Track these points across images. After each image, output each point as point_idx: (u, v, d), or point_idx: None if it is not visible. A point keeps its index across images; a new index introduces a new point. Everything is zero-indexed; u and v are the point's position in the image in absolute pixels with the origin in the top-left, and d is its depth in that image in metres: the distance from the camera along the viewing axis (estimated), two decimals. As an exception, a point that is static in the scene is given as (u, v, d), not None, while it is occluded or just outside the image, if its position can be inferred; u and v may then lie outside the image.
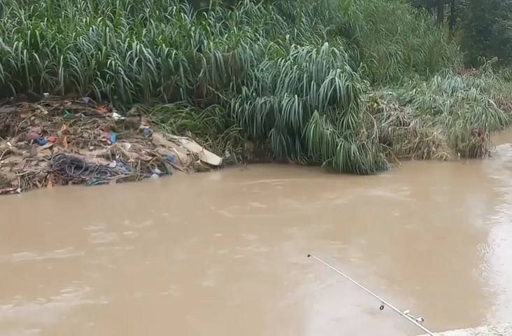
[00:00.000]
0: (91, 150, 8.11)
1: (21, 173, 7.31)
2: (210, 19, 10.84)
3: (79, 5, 10.38)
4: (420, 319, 2.37)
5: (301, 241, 5.45)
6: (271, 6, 12.33)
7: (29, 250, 5.00)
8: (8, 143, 7.96)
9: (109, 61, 8.90)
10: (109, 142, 8.32)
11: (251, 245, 5.31)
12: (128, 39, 9.45)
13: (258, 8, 12.06)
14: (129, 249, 5.16)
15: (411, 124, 10.14)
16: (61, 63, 8.56)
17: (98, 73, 8.86)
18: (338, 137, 8.43)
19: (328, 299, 4.13)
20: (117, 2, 10.55)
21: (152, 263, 4.79)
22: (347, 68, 9.43)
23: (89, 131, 8.38)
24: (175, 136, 8.88)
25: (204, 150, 8.79)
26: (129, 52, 9.16)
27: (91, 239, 5.44)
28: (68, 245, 5.17)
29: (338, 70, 8.91)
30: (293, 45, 10.04)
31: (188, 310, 3.96)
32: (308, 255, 3.72)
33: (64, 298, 4.06)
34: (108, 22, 9.65)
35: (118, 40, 9.39)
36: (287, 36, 10.93)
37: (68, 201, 7.22)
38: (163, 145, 8.61)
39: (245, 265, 4.83)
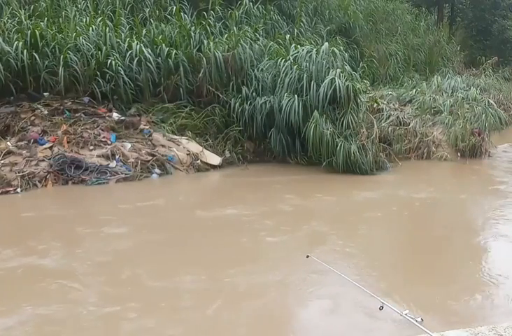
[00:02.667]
0: (91, 150, 8.11)
1: (21, 173, 7.31)
2: (210, 19, 10.84)
3: (79, 5, 10.38)
4: (419, 319, 2.37)
5: (300, 241, 5.46)
6: (270, 6, 12.33)
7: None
8: (8, 143, 7.96)
9: (109, 61, 8.90)
10: (109, 142, 8.32)
11: (248, 245, 5.31)
12: (128, 39, 9.46)
13: (258, 8, 12.06)
14: (111, 259, 4.93)
15: (411, 124, 10.14)
16: (61, 63, 8.56)
17: (98, 73, 8.86)
18: (338, 137, 8.43)
19: (327, 300, 4.12)
20: (117, 2, 10.56)
21: (133, 275, 4.52)
22: (347, 68, 9.44)
23: (89, 131, 8.39)
24: (175, 136, 8.88)
25: (204, 150, 8.79)
26: (129, 52, 9.16)
27: (79, 242, 5.35)
28: (54, 249, 5.08)
29: (338, 70, 8.91)
30: (293, 45, 10.04)
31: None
32: (307, 256, 3.72)
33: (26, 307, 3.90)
34: (108, 22, 9.66)
35: (118, 40, 9.40)
36: (287, 36, 10.93)
37: (67, 201, 7.21)
38: (163, 145, 8.61)
39: (241, 265, 4.83)
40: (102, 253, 5.04)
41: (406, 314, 2.47)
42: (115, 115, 8.86)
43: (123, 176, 7.80)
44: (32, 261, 4.81)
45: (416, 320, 2.38)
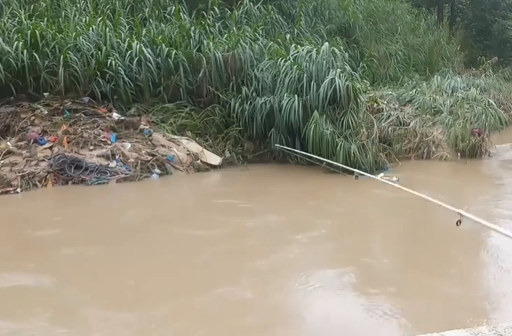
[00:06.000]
0: (91, 150, 8.10)
1: (21, 173, 7.30)
2: (209, 19, 10.84)
3: (78, 5, 10.38)
4: (394, 178, 2.38)
5: (301, 243, 5.45)
6: (270, 6, 12.34)
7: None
8: (8, 143, 7.96)
9: (109, 61, 8.89)
10: (109, 142, 8.32)
11: (245, 253, 5.24)
12: (128, 39, 9.45)
13: (258, 8, 12.06)
14: (92, 267, 4.67)
15: (411, 124, 10.14)
16: (61, 63, 8.55)
17: (98, 73, 8.85)
18: (338, 137, 8.43)
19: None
20: (117, 2, 10.55)
21: (107, 288, 4.24)
22: (347, 68, 9.43)
23: (89, 131, 8.38)
24: (175, 136, 8.88)
25: (204, 150, 8.79)
26: (129, 52, 9.15)
27: (67, 248, 5.13)
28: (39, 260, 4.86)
29: (338, 70, 8.91)
30: (293, 45, 10.04)
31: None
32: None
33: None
34: (108, 22, 9.65)
35: (118, 40, 9.39)
36: (287, 36, 10.93)
37: (67, 201, 7.21)
38: (163, 145, 8.61)
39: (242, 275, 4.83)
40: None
41: (381, 177, 2.47)
42: (115, 115, 8.85)
43: (123, 176, 7.79)
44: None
45: (391, 180, 2.38)
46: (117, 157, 8.04)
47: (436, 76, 13.32)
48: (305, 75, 9.00)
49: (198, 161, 8.59)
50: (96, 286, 4.26)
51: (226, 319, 3.74)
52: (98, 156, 8.01)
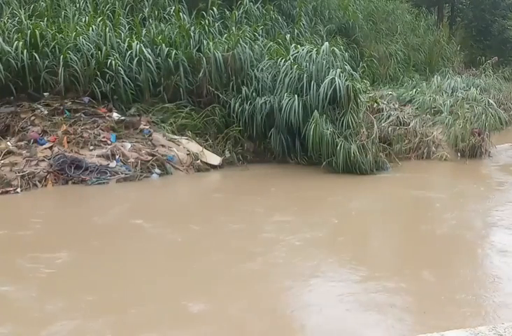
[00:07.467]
0: (91, 150, 8.10)
1: (21, 173, 7.30)
2: (209, 19, 10.83)
3: (78, 5, 10.38)
4: None
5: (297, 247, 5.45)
6: (270, 6, 12.34)
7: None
8: (8, 143, 7.96)
9: (109, 61, 8.89)
10: (109, 142, 8.32)
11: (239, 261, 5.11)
12: (128, 39, 9.45)
13: (257, 8, 12.06)
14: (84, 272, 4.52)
15: (411, 124, 10.14)
16: (61, 63, 8.55)
17: (98, 73, 8.85)
18: (338, 137, 8.43)
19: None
20: (117, 2, 10.55)
21: (85, 294, 4.06)
22: (347, 68, 9.43)
23: (89, 131, 8.38)
24: (175, 136, 8.88)
25: (204, 150, 8.79)
26: (129, 52, 9.15)
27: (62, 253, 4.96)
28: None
29: (338, 70, 8.91)
30: (293, 45, 10.04)
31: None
32: None
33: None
34: (108, 22, 9.65)
35: (118, 40, 9.39)
36: (287, 36, 10.93)
37: (67, 201, 7.21)
38: (163, 145, 8.61)
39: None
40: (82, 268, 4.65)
41: None
42: (115, 115, 8.85)
43: (123, 176, 7.79)
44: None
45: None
46: (117, 157, 8.04)
47: (436, 76, 13.33)
48: (305, 75, 9.00)
49: (198, 161, 8.59)
50: (74, 292, 4.11)
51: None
52: (98, 156, 8.01)
